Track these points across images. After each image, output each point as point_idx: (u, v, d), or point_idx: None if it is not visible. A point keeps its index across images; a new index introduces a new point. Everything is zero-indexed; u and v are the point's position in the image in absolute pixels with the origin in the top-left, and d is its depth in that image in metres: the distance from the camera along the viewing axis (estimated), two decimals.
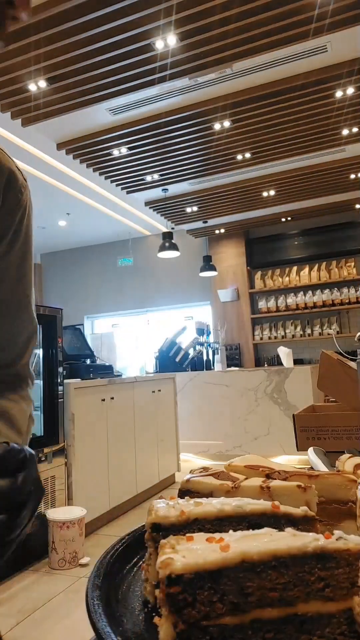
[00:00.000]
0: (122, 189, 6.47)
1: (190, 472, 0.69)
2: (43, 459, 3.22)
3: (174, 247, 6.67)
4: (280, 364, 5.71)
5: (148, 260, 8.87)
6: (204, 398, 5.61)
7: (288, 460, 4.65)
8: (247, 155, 5.60)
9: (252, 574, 0.39)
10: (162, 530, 0.48)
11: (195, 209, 7.33)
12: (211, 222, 7.96)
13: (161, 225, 8.15)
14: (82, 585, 2.73)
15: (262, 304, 8.12)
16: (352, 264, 7.62)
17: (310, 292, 7.79)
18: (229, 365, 6.63)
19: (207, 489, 0.62)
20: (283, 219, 7.92)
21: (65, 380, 3.54)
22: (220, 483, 0.62)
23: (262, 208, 7.41)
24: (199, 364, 6.48)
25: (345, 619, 0.40)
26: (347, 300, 7.52)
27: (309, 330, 7.76)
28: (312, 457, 1.12)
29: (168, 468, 4.77)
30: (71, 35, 3.47)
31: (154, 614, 0.46)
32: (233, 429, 5.36)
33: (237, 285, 8.24)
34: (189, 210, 7.37)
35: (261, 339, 8.05)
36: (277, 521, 0.50)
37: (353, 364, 1.39)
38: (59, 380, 3.46)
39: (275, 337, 7.93)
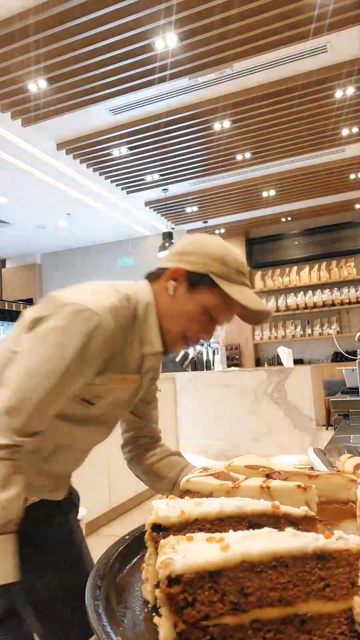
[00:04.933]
0: (122, 189, 6.47)
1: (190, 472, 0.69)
2: None
3: None
4: (281, 364, 5.71)
5: (148, 260, 8.85)
6: (204, 398, 5.61)
7: (288, 460, 4.65)
8: (247, 155, 5.60)
9: (252, 574, 0.39)
10: (163, 530, 0.48)
11: (195, 209, 7.32)
12: (211, 222, 7.95)
13: (161, 225, 8.14)
14: None
15: None
16: (352, 264, 7.62)
17: (310, 292, 7.78)
18: (229, 366, 6.63)
19: (208, 489, 0.61)
20: (283, 219, 7.91)
21: None
22: (221, 483, 0.61)
23: (262, 208, 7.40)
24: (199, 364, 6.48)
25: (345, 619, 0.40)
26: (347, 300, 7.51)
27: (309, 330, 7.76)
28: (312, 457, 1.12)
29: None
30: (71, 35, 3.46)
31: (154, 614, 0.46)
32: (233, 429, 5.36)
33: None
34: (189, 210, 7.36)
35: (261, 339, 8.05)
36: (277, 521, 0.50)
37: None
38: None
39: (276, 337, 7.93)
